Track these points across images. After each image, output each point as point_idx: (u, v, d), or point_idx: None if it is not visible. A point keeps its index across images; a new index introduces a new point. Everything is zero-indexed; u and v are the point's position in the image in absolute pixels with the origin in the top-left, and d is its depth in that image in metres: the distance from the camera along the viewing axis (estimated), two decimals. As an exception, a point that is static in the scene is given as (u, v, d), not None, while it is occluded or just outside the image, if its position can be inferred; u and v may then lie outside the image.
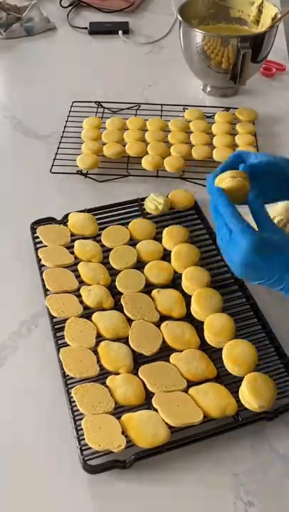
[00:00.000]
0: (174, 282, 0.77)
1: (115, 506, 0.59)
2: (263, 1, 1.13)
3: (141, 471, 0.61)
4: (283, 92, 1.21)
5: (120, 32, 1.40)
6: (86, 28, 1.42)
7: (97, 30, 1.41)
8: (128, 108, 1.12)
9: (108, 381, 0.65)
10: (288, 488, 0.60)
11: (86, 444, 0.60)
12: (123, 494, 0.59)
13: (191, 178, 0.97)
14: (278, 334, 0.71)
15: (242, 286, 0.76)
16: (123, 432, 0.60)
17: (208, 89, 1.18)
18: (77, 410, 0.62)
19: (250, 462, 0.62)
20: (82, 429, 0.60)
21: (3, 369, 0.70)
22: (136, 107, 1.11)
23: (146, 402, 0.64)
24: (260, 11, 1.14)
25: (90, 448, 0.59)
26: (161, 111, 1.10)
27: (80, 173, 0.97)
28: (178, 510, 0.59)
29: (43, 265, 0.79)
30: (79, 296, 0.74)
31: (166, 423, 0.61)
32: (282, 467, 0.61)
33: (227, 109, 1.11)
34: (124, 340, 0.69)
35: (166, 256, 0.81)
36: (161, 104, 1.11)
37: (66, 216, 0.86)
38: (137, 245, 0.81)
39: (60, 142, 1.03)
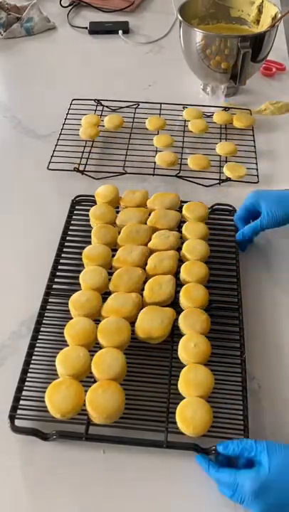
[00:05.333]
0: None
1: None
2: (263, 1, 1.13)
3: (139, 471, 0.61)
4: (283, 91, 1.21)
5: (120, 32, 1.40)
6: (86, 28, 1.42)
7: (97, 29, 1.42)
8: (127, 106, 1.12)
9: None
10: (288, 488, 0.60)
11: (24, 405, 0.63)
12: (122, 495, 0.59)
13: (187, 177, 0.97)
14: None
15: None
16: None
17: (208, 88, 1.18)
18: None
19: (250, 462, 0.61)
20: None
21: (3, 369, 0.70)
22: (135, 106, 1.11)
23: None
24: (260, 11, 1.14)
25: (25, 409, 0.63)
26: (160, 109, 1.10)
27: (77, 170, 0.97)
28: (178, 510, 0.58)
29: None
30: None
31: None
32: (282, 467, 0.61)
33: (226, 108, 1.11)
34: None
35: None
36: (160, 103, 1.11)
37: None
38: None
39: (58, 139, 1.03)
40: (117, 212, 0.85)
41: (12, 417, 0.62)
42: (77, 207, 0.89)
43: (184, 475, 0.61)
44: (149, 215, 0.84)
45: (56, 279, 0.77)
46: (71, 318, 0.71)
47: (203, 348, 0.66)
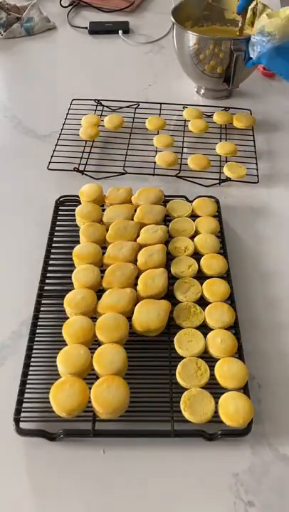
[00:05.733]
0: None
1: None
2: (257, 3, 1.13)
3: (137, 472, 0.61)
4: (283, 91, 1.21)
5: (120, 32, 1.40)
6: (86, 28, 1.42)
7: (97, 29, 1.42)
8: (127, 106, 1.12)
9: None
10: (288, 488, 0.60)
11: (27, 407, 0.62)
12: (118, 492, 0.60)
13: (187, 177, 0.97)
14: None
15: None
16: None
17: (202, 91, 1.18)
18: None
19: (250, 462, 0.61)
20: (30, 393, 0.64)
21: (4, 369, 0.70)
22: (135, 106, 1.12)
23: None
24: (254, 13, 1.14)
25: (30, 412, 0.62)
26: (160, 109, 1.10)
27: (77, 170, 0.97)
28: (177, 510, 0.59)
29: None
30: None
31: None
32: (282, 467, 0.61)
33: (226, 108, 1.11)
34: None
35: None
36: (160, 103, 1.11)
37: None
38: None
39: (58, 139, 1.03)
40: (103, 210, 0.85)
41: (17, 420, 0.62)
42: (61, 207, 0.88)
43: (183, 475, 0.61)
44: (135, 211, 0.84)
45: (47, 280, 0.77)
46: (66, 317, 0.71)
47: (229, 342, 0.68)
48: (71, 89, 1.17)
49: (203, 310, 0.72)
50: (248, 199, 0.94)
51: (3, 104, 1.18)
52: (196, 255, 0.79)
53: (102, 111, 1.11)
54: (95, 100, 1.13)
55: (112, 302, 0.71)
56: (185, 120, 1.08)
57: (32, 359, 0.68)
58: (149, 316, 0.69)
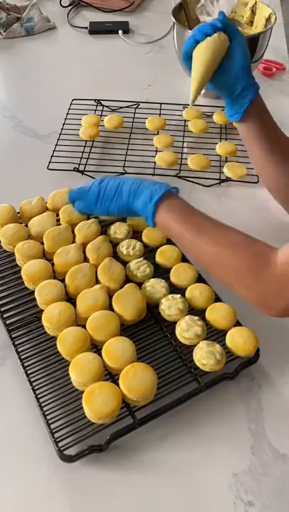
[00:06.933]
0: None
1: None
2: (256, 2, 1.13)
3: (135, 472, 0.61)
4: (283, 91, 1.21)
5: (120, 31, 1.40)
6: (86, 28, 1.42)
7: (97, 29, 1.42)
8: (127, 106, 1.12)
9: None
10: (288, 488, 0.60)
11: (60, 436, 0.61)
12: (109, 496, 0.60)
13: (187, 177, 0.97)
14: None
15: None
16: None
17: (203, 91, 1.17)
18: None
19: (250, 462, 0.61)
20: (53, 422, 0.62)
21: (3, 369, 0.70)
22: (135, 106, 1.12)
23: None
24: (253, 12, 1.14)
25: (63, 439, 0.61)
26: (160, 109, 1.10)
27: (77, 170, 0.97)
28: (178, 510, 0.59)
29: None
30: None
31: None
32: (282, 467, 0.61)
33: (227, 108, 1.11)
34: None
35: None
36: (160, 103, 1.11)
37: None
38: None
39: (58, 139, 1.03)
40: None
41: (61, 451, 0.60)
42: None
43: (184, 475, 0.61)
44: (57, 215, 0.84)
45: (5, 314, 0.74)
46: (48, 336, 0.70)
47: (207, 291, 0.73)
48: (71, 89, 1.17)
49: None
50: (248, 199, 0.94)
51: (3, 104, 1.18)
52: (134, 234, 0.82)
53: (102, 111, 1.11)
54: (95, 100, 1.13)
55: (90, 304, 0.71)
56: (185, 120, 1.08)
57: (36, 388, 0.65)
58: (132, 303, 0.70)
